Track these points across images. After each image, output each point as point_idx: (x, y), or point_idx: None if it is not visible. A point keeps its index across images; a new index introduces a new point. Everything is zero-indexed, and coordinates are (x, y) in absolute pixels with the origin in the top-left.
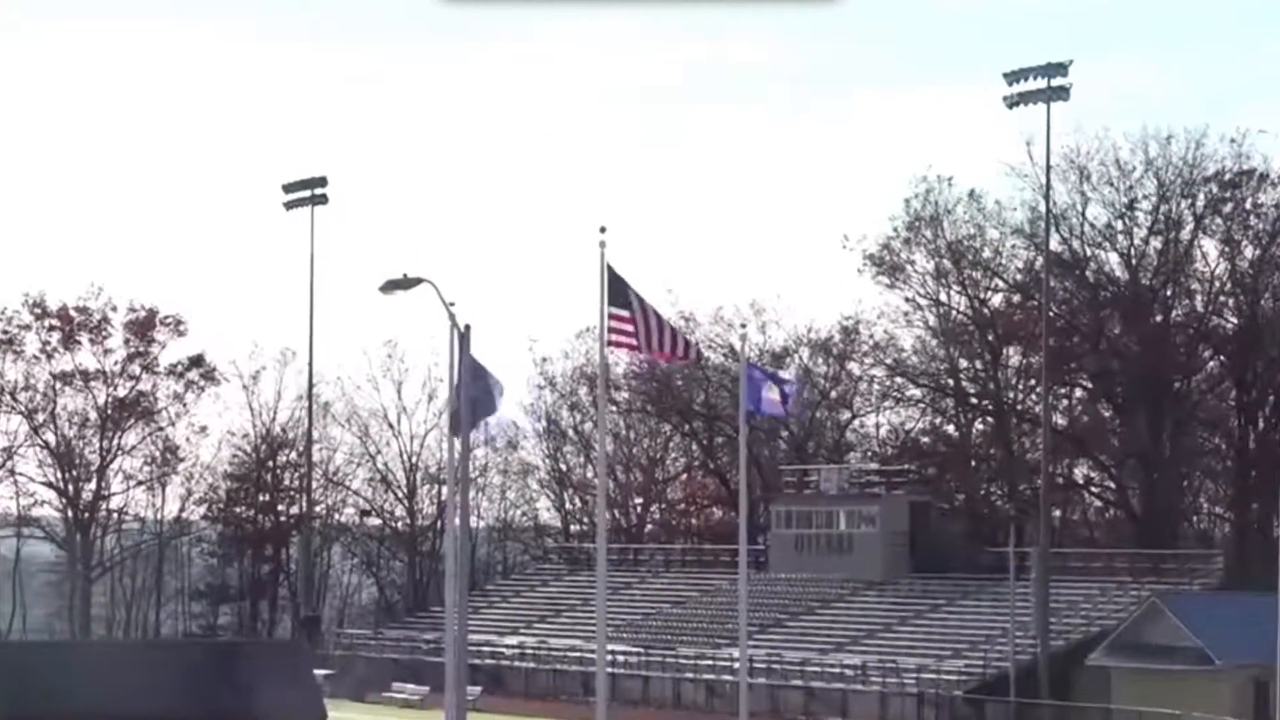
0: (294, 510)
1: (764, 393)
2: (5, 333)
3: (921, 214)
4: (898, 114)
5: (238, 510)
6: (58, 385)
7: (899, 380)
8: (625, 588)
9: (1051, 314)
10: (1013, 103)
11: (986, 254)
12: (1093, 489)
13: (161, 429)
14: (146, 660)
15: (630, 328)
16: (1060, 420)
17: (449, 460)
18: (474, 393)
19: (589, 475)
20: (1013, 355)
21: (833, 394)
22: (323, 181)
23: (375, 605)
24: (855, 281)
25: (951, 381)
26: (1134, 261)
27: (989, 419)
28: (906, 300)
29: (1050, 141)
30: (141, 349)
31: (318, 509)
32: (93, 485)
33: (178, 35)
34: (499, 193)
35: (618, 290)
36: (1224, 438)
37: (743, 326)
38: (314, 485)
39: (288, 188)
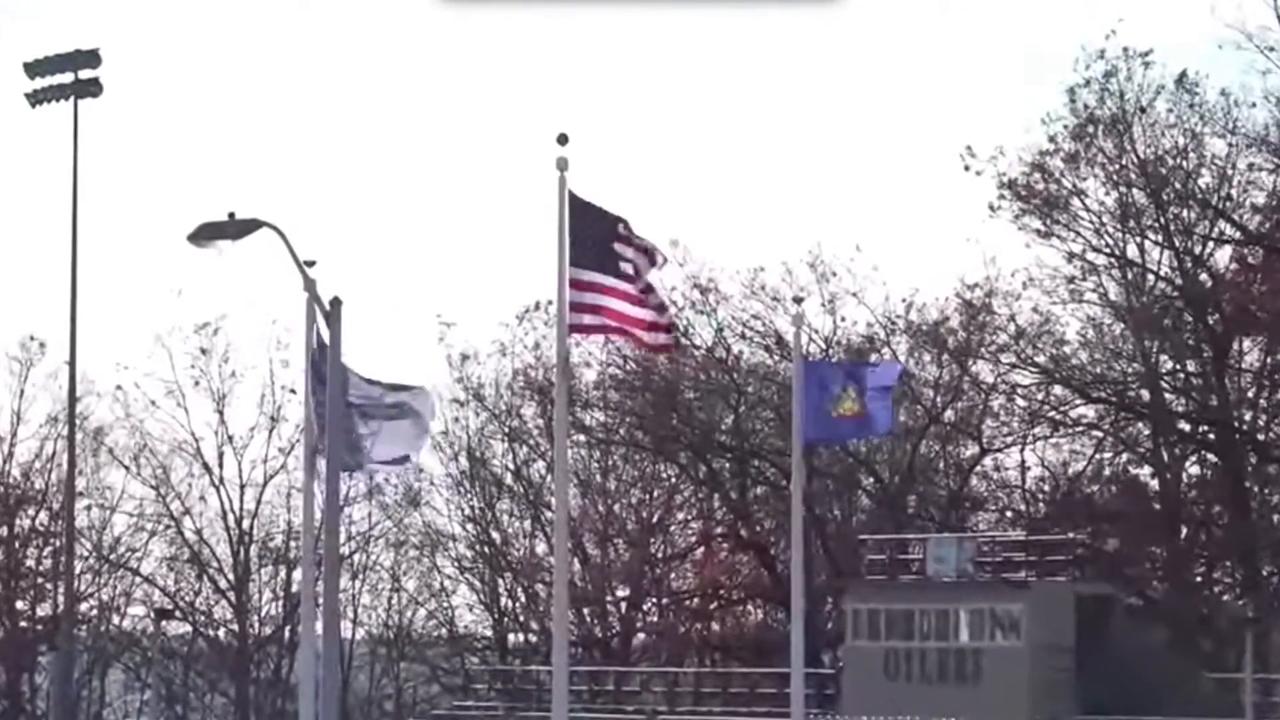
0: (44, 609)
1: (826, 402)
2: None
3: (1097, 113)
4: None
5: None
6: None
7: (1059, 392)
8: None
9: None
10: None
11: (1206, 180)
12: None
13: None
14: None
15: (610, 300)
16: None
17: (305, 525)
18: (371, 411)
19: (540, 550)
20: (1250, 350)
21: (948, 415)
22: (93, 58)
23: None
24: (986, 226)
25: (1147, 394)
26: None
27: (1209, 456)
28: (1071, 258)
29: None
30: None
31: (84, 607)
32: None
33: None
34: (389, 86)
35: (588, 239)
36: None
37: (797, 301)
38: (78, 567)
39: (33, 69)
